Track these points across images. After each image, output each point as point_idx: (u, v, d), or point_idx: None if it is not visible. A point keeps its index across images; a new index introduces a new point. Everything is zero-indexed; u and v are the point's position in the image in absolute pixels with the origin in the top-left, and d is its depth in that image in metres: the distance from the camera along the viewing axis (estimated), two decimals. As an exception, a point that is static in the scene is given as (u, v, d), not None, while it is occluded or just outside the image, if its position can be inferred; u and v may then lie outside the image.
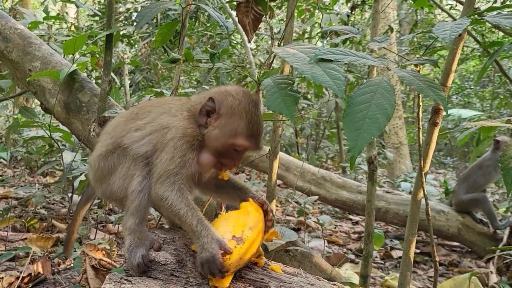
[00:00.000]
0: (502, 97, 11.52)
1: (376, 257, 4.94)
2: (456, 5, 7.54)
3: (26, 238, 3.38)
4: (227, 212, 1.77)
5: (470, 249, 5.34)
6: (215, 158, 1.76)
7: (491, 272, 4.15)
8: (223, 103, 1.73)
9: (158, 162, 1.70)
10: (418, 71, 1.82)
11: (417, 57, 2.03)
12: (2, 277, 2.61)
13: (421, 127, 2.20)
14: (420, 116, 2.18)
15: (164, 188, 1.65)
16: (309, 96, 10.13)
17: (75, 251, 3.04)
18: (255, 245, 1.67)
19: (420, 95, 2.07)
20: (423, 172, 2.23)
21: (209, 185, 1.94)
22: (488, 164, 5.25)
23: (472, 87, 15.35)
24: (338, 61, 1.66)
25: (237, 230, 1.64)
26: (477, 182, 5.31)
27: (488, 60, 3.03)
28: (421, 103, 2.15)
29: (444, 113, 2.01)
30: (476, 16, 1.78)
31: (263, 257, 1.87)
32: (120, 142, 1.83)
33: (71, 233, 2.51)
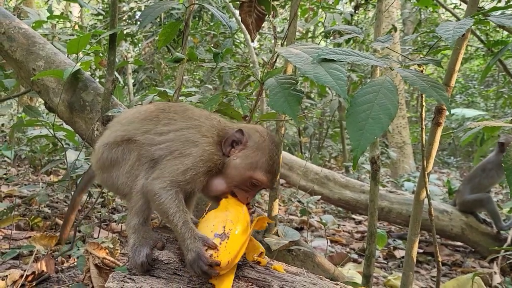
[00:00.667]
0: (506, 96, 11.48)
1: (379, 256, 4.93)
2: (460, 4, 7.52)
3: (30, 237, 3.40)
4: (205, 214, 1.76)
5: (473, 249, 5.33)
6: (229, 187, 1.78)
7: (495, 273, 4.13)
8: (251, 137, 1.78)
9: (169, 165, 1.70)
10: (421, 71, 1.82)
11: (421, 57, 2.03)
12: (7, 275, 2.63)
13: (424, 127, 2.20)
14: (424, 115, 2.18)
15: (161, 186, 1.66)
16: (312, 95, 10.13)
17: (78, 249, 3.06)
18: (243, 236, 1.65)
19: (423, 95, 2.07)
20: (426, 172, 2.22)
21: None
22: (491, 167, 5.24)
23: (476, 86, 15.31)
24: (341, 61, 1.66)
25: (217, 227, 1.63)
26: (481, 184, 5.29)
27: (492, 60, 3.02)
28: (424, 103, 2.15)
29: (448, 113, 2.01)
30: (480, 16, 1.78)
31: (266, 256, 1.87)
32: (131, 137, 1.82)
33: (69, 217, 2.54)
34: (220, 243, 1.58)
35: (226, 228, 1.62)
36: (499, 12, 1.77)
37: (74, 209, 2.56)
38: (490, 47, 3.91)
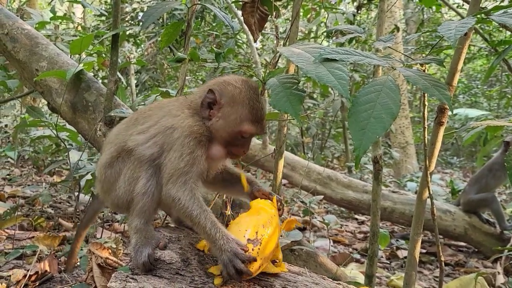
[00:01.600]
0: (509, 96, 11.44)
1: (382, 257, 4.93)
2: (463, 4, 7.50)
3: (33, 237, 3.41)
4: (238, 216, 1.76)
5: (476, 249, 5.31)
6: (224, 148, 1.78)
7: (498, 273, 4.12)
8: (224, 93, 1.75)
9: (168, 161, 1.70)
10: (424, 70, 1.82)
11: (423, 56, 2.02)
12: (10, 275, 2.64)
13: (426, 126, 2.19)
14: (426, 115, 2.17)
15: (176, 188, 1.65)
16: (315, 96, 10.12)
17: (81, 249, 3.07)
18: (273, 241, 1.65)
19: (426, 94, 2.07)
20: (428, 172, 2.22)
21: (216, 181, 1.96)
22: (498, 167, 5.23)
23: (479, 86, 15.26)
24: (343, 60, 1.65)
25: (250, 233, 1.63)
26: (488, 184, 5.28)
27: (496, 59, 3.01)
28: (426, 102, 2.15)
29: (450, 112, 2.01)
30: (482, 15, 1.77)
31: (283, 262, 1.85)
32: (123, 146, 1.84)
33: (75, 246, 2.53)
34: (252, 249, 1.58)
35: (258, 234, 1.62)
36: (501, 11, 1.76)
37: (79, 240, 2.55)
38: (494, 46, 3.89)
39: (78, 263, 2.96)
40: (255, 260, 1.55)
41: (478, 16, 1.76)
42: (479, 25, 3.81)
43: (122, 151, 1.84)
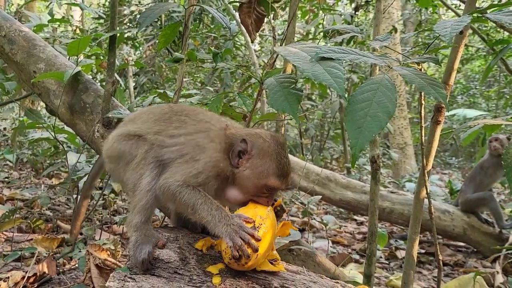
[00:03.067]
0: (508, 96, 11.46)
1: (381, 257, 4.93)
2: (460, 5, 7.53)
3: (31, 239, 3.41)
4: (236, 211, 1.77)
5: (475, 249, 5.32)
6: (247, 198, 1.78)
7: (497, 272, 4.12)
8: (255, 145, 1.76)
9: (180, 169, 1.74)
10: (420, 69, 1.82)
11: (419, 55, 2.03)
12: (9, 277, 2.64)
13: (423, 125, 2.20)
14: (423, 114, 2.18)
15: (178, 184, 1.69)
16: (313, 97, 10.13)
17: (80, 251, 3.07)
18: (268, 237, 1.65)
19: (423, 93, 2.07)
20: (426, 171, 2.22)
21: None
22: (487, 165, 5.28)
23: (477, 87, 15.30)
24: (339, 59, 1.66)
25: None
26: (482, 182, 5.31)
27: (493, 59, 3.02)
28: (423, 101, 2.15)
29: (447, 112, 2.01)
30: (477, 13, 1.78)
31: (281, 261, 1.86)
32: (143, 134, 1.86)
33: (81, 204, 2.53)
34: None
35: (256, 223, 1.64)
36: (496, 10, 1.77)
37: (86, 197, 2.56)
38: (491, 46, 3.89)
39: (76, 265, 2.97)
40: (259, 239, 1.57)
41: (474, 14, 1.77)
42: (476, 25, 3.81)
43: (139, 137, 1.87)
